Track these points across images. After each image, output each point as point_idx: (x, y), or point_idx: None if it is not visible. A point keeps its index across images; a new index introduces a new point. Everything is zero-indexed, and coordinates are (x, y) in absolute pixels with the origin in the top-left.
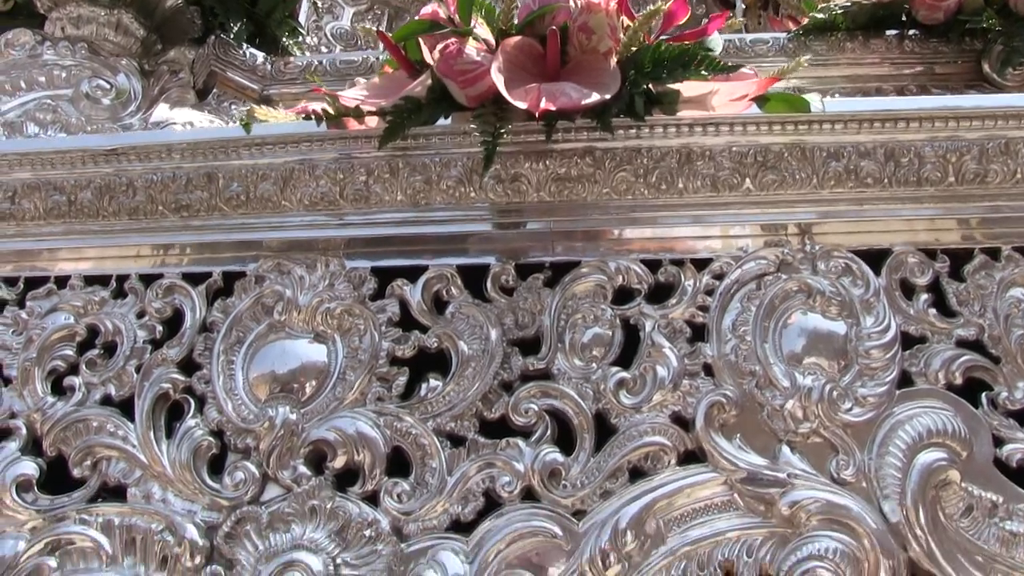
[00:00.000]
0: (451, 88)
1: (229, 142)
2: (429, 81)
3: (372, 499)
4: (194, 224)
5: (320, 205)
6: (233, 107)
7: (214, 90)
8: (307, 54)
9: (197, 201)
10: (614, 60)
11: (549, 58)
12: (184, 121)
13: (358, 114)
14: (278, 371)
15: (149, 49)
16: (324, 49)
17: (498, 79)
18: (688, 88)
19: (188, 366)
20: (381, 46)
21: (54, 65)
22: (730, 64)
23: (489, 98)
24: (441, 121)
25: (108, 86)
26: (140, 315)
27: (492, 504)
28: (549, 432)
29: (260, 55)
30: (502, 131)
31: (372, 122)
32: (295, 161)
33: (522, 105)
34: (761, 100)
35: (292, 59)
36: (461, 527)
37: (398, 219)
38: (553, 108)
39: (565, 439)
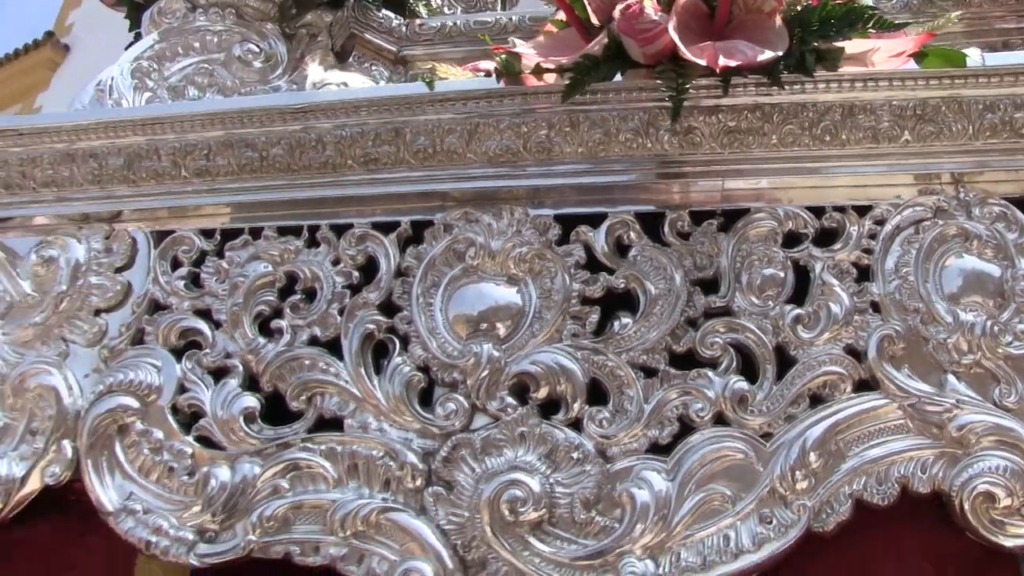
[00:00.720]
0: (629, 46)
1: (414, 99)
2: (605, 40)
3: (575, 426)
4: (381, 176)
5: (504, 157)
6: (374, 68)
7: (354, 52)
8: (431, 16)
9: (384, 155)
10: (779, 19)
11: (718, 17)
12: (338, 81)
13: (539, 71)
14: (475, 312)
15: (286, 13)
16: (447, 10)
17: (676, 37)
18: (851, 45)
19: (387, 308)
20: (503, 8)
21: (206, 31)
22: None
23: (666, 55)
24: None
25: (258, 50)
26: (335, 262)
27: (686, 428)
28: (734, 363)
29: (395, 17)
30: (686, 86)
31: (549, 78)
32: (479, 116)
33: (701, 62)
34: (919, 56)
35: (426, 21)
36: (659, 449)
37: (578, 170)
38: (732, 64)
39: (747, 370)
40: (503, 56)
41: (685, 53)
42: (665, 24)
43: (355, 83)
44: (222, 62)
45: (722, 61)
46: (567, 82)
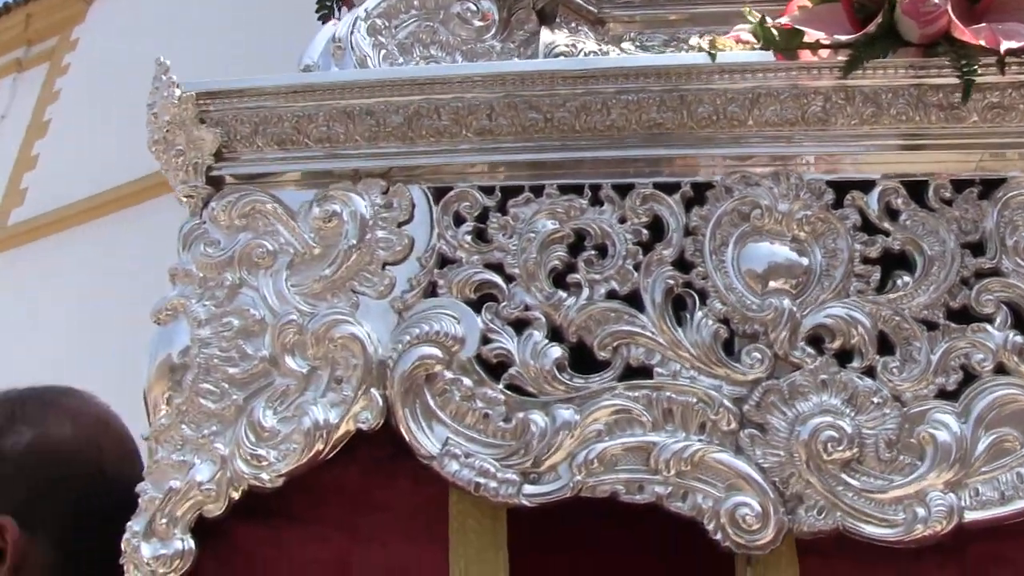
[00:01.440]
0: (907, 26)
1: (694, 68)
2: (880, 19)
3: (868, 373)
4: (663, 140)
5: (781, 126)
6: (580, 29)
7: (558, 13)
8: None
9: (668, 120)
10: None
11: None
12: (565, 44)
13: (816, 46)
14: (764, 269)
15: None
16: None
17: (955, 19)
18: None
19: (680, 265)
20: None
21: None
22: None
23: (939, 36)
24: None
25: (475, 8)
26: (621, 220)
27: (968, 377)
28: (1009, 319)
29: None
30: (974, 67)
31: (823, 52)
32: (760, 87)
33: (981, 42)
34: None
35: None
36: (947, 395)
37: (851, 137)
38: (1015, 45)
39: (1017, 325)
40: (762, 26)
41: (965, 34)
42: (944, 6)
43: (581, 47)
44: (441, 20)
45: (1004, 44)
46: (845, 58)
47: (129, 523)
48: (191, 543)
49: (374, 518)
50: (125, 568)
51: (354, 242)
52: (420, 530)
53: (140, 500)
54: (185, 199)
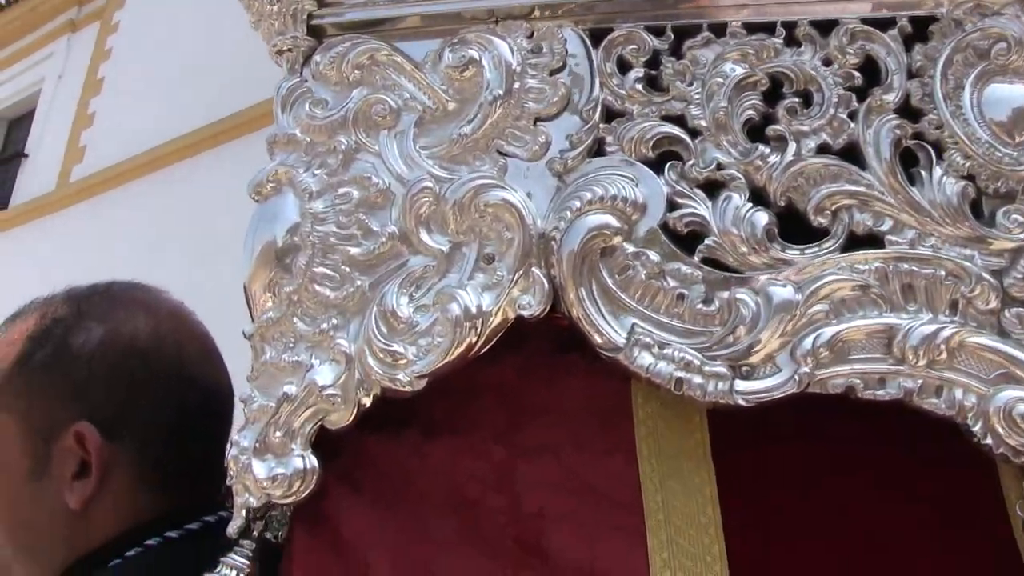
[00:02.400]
0: None
1: None
2: None
3: None
4: None
5: None
6: None
7: None
8: None
9: None
10: None
11: None
12: None
13: None
14: (1014, 115)
15: None
16: None
17: None
18: None
19: (905, 113)
20: None
21: None
22: None
23: None
24: None
25: None
26: (826, 63)
27: None
28: None
29: None
30: None
31: None
32: None
33: None
34: None
35: None
36: None
37: None
38: None
39: None
40: None
41: None
42: None
43: None
44: None
45: None
46: None
47: (234, 437)
48: (313, 460)
49: (539, 424)
50: (235, 491)
51: (499, 93)
52: (598, 438)
53: (246, 409)
54: (281, 55)
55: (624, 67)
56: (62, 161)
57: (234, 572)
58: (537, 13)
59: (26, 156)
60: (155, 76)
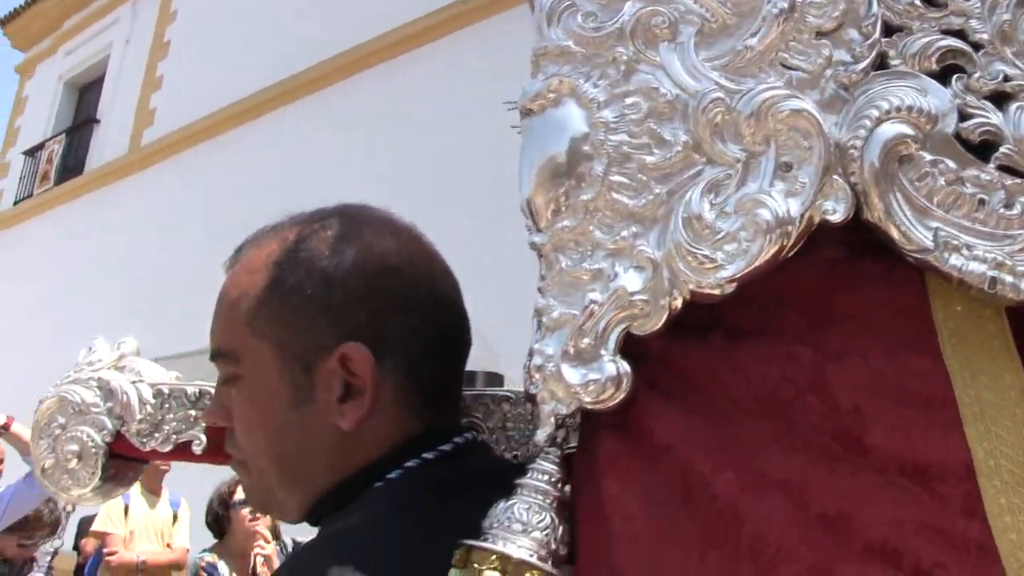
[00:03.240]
0: None
1: None
2: None
3: None
4: None
5: None
6: None
7: None
8: None
9: None
10: None
11: None
12: None
13: None
14: None
15: None
16: None
17: None
18: None
19: None
20: None
21: None
22: None
23: None
24: None
25: None
26: None
27: None
28: None
29: None
30: None
31: None
32: None
33: None
34: None
35: None
36: None
37: None
38: None
39: None
40: None
41: None
42: None
43: None
44: None
45: None
46: None
47: (535, 347)
48: (626, 366)
49: (842, 329)
50: (540, 399)
51: (784, 7)
52: (900, 340)
53: (544, 319)
54: None
55: None
56: (133, 124)
57: (545, 477)
58: None
59: (98, 122)
60: (220, 37)
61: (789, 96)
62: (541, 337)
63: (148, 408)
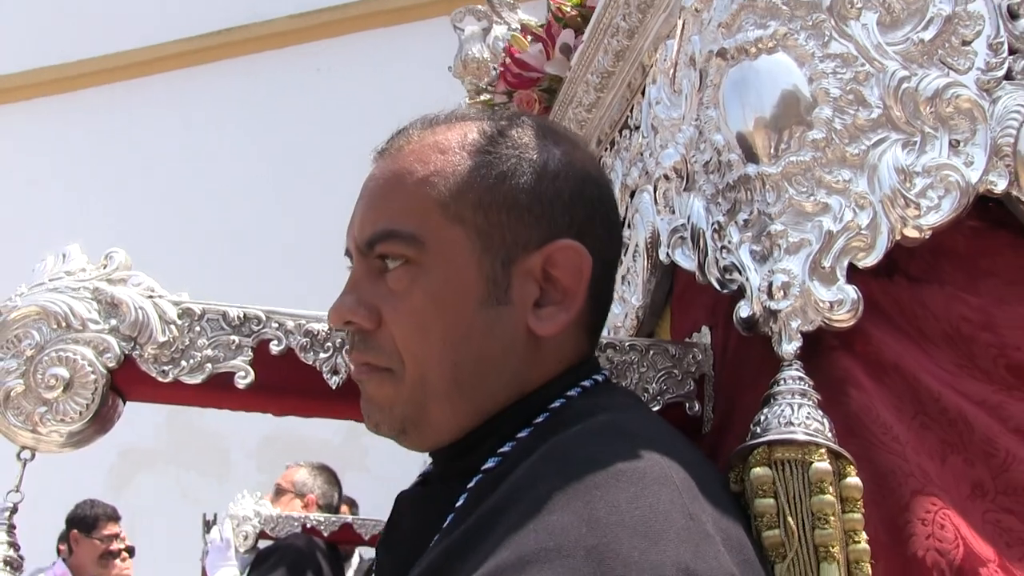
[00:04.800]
0: None
1: None
2: None
3: None
4: None
5: None
6: None
7: None
8: None
9: None
10: None
11: None
12: None
13: None
14: None
15: None
16: None
17: None
18: None
19: None
20: None
21: None
22: None
23: None
24: None
25: None
26: None
27: None
28: None
29: None
30: None
31: None
32: None
33: None
34: None
35: None
36: None
37: None
38: None
39: None
40: None
41: None
42: None
43: None
44: None
45: None
46: None
47: (778, 265)
48: (858, 291)
49: (988, 283)
50: (786, 315)
51: (947, 12)
52: None
53: (781, 241)
54: None
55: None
56: None
57: (802, 383)
58: None
59: None
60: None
61: (959, 84)
62: (780, 257)
63: (173, 329)
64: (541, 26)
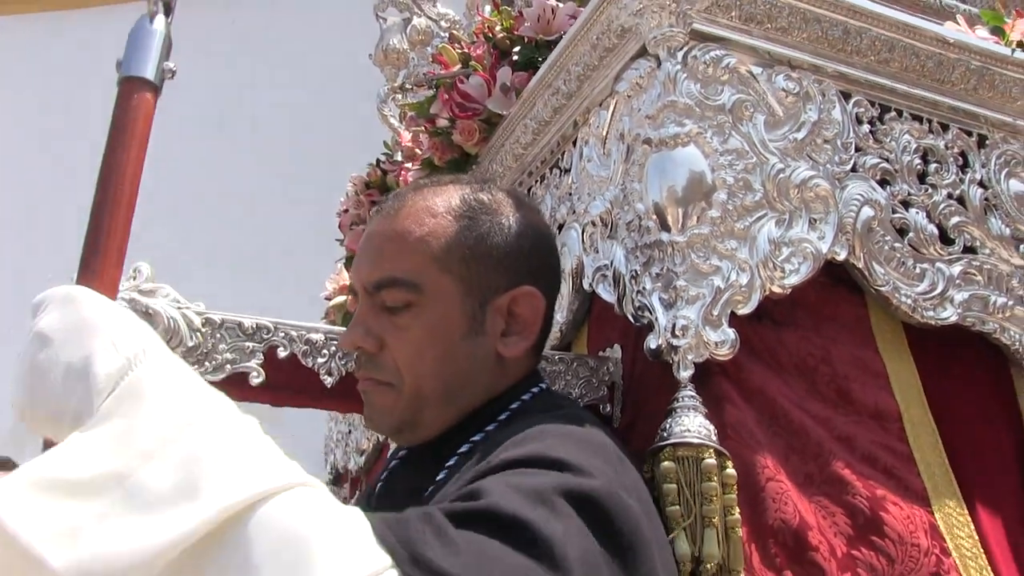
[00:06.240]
0: None
1: None
2: None
3: None
4: None
5: None
6: None
7: None
8: None
9: None
10: None
11: None
12: None
13: None
14: None
15: None
16: None
17: None
18: None
19: None
20: None
21: None
22: None
23: None
24: None
25: None
26: None
27: None
28: None
29: None
30: None
31: None
32: None
33: None
34: None
35: None
36: None
37: None
38: None
39: None
40: None
41: None
42: None
43: None
44: None
45: None
46: None
47: (680, 312)
48: (735, 334)
49: (828, 326)
50: (683, 350)
51: (815, 119)
52: (858, 337)
53: (683, 294)
54: (659, 42)
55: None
56: None
57: (693, 400)
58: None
59: None
60: None
61: (819, 176)
62: (681, 306)
63: (198, 336)
64: (470, 40)
